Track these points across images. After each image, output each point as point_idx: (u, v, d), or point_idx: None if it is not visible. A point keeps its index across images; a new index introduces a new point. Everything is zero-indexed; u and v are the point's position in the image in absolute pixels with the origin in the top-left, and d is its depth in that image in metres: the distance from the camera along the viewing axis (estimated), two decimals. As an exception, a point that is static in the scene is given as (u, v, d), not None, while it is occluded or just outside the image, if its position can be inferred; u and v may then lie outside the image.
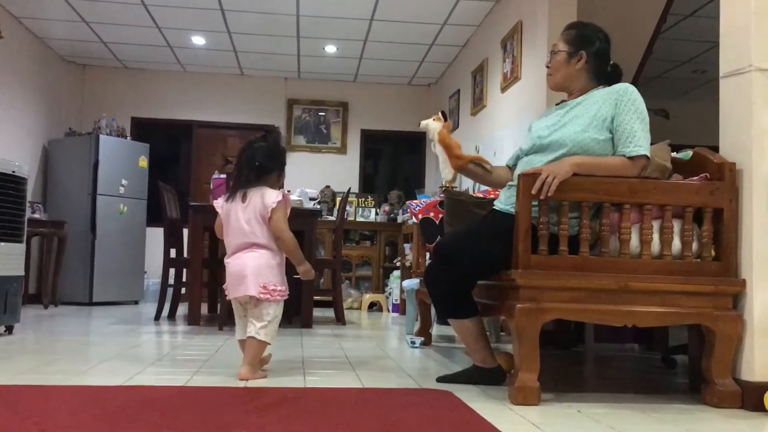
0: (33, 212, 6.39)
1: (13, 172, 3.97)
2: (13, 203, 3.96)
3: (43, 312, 5.89)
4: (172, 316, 5.33)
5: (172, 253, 5.40)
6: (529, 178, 2.36)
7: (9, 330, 4.02)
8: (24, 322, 4.62)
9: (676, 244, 2.42)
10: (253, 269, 2.67)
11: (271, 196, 2.71)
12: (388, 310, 6.96)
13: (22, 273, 4.11)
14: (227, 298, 2.80)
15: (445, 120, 2.75)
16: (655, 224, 2.41)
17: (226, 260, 2.78)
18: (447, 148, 2.70)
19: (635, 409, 2.25)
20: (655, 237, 2.41)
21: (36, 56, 7.07)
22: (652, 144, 2.53)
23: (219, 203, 2.81)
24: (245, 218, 2.71)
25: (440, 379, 2.66)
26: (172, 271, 5.33)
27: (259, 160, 2.75)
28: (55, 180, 7.18)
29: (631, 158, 2.44)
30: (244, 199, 2.73)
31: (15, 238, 3.99)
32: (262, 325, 2.66)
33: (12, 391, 2.28)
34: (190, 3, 6.11)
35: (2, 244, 3.86)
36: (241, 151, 2.81)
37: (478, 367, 2.63)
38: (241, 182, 2.76)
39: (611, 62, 2.66)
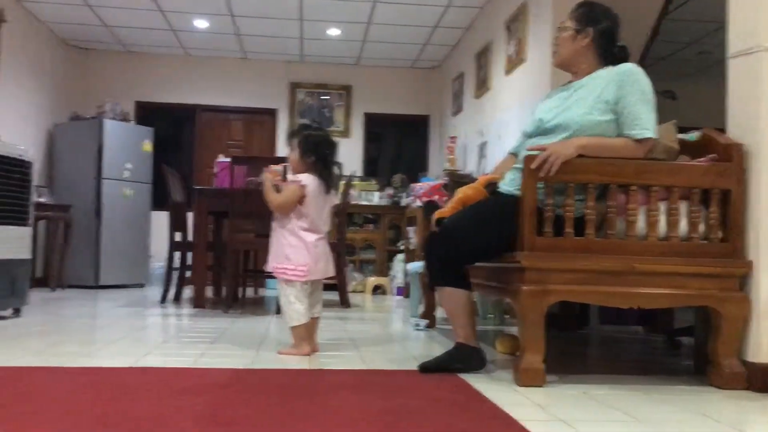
0: (39, 196, 6.39)
1: (19, 156, 3.97)
2: (19, 187, 3.96)
3: (50, 295, 5.92)
4: (177, 299, 5.35)
5: (177, 236, 5.41)
6: (535, 158, 2.35)
7: (17, 312, 4.04)
8: (31, 304, 4.65)
9: (683, 225, 2.42)
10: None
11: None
12: (392, 294, 6.97)
13: (29, 256, 4.12)
14: (308, 278, 2.85)
15: None
16: (662, 206, 2.41)
17: (312, 240, 2.87)
18: (469, 198, 2.67)
19: (640, 391, 2.26)
20: (662, 219, 2.40)
21: (40, 41, 7.04)
22: (658, 124, 2.51)
23: (307, 179, 2.86)
24: (326, 208, 2.96)
25: (423, 369, 2.48)
26: (177, 254, 5.35)
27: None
28: (60, 164, 7.18)
29: (637, 140, 2.42)
30: (327, 190, 2.92)
31: (22, 222, 4.00)
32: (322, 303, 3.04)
33: (20, 373, 2.29)
34: (193, -15, 6.08)
35: (9, 227, 3.87)
36: (328, 142, 2.93)
37: (462, 346, 2.50)
38: (328, 174, 2.92)
39: (619, 43, 2.63)
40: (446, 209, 2.64)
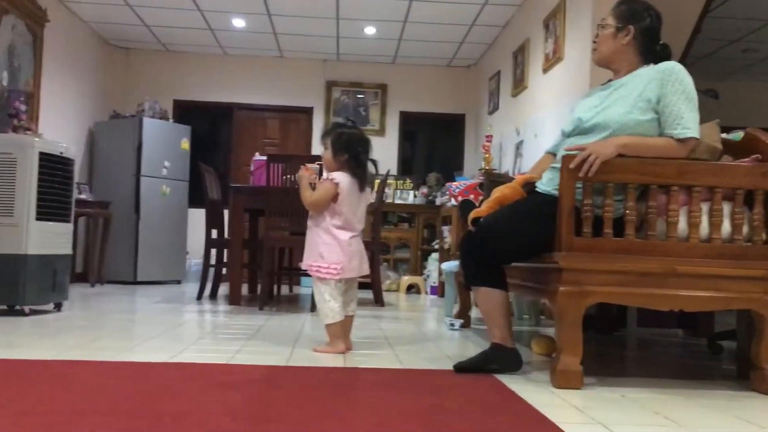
0: (80, 193, 6.54)
1: (61, 153, 4.06)
2: (61, 184, 4.05)
3: (90, 290, 6.04)
4: (213, 295, 5.42)
5: (213, 233, 5.48)
6: (573, 157, 2.32)
7: (57, 307, 4.13)
8: (71, 299, 4.75)
9: (726, 227, 2.36)
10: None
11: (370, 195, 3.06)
12: (426, 293, 6.96)
13: (70, 252, 4.21)
14: (342, 276, 2.86)
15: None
16: (704, 207, 2.35)
17: (346, 238, 2.88)
18: (506, 198, 2.65)
19: (681, 395, 2.21)
20: (704, 220, 2.35)
21: (81, 40, 7.19)
22: (701, 123, 2.46)
23: (340, 177, 2.88)
24: (361, 206, 2.97)
25: (459, 369, 2.47)
26: (213, 251, 5.41)
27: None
28: (100, 161, 7.33)
29: (679, 140, 2.37)
30: (361, 188, 2.93)
31: (63, 218, 4.09)
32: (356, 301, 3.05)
33: (62, 366, 2.34)
34: (231, -15, 6.14)
35: (51, 223, 3.96)
36: (360, 140, 2.94)
37: (498, 346, 2.48)
38: (361, 171, 2.93)
39: (661, 41, 2.58)
40: (483, 208, 2.62)
